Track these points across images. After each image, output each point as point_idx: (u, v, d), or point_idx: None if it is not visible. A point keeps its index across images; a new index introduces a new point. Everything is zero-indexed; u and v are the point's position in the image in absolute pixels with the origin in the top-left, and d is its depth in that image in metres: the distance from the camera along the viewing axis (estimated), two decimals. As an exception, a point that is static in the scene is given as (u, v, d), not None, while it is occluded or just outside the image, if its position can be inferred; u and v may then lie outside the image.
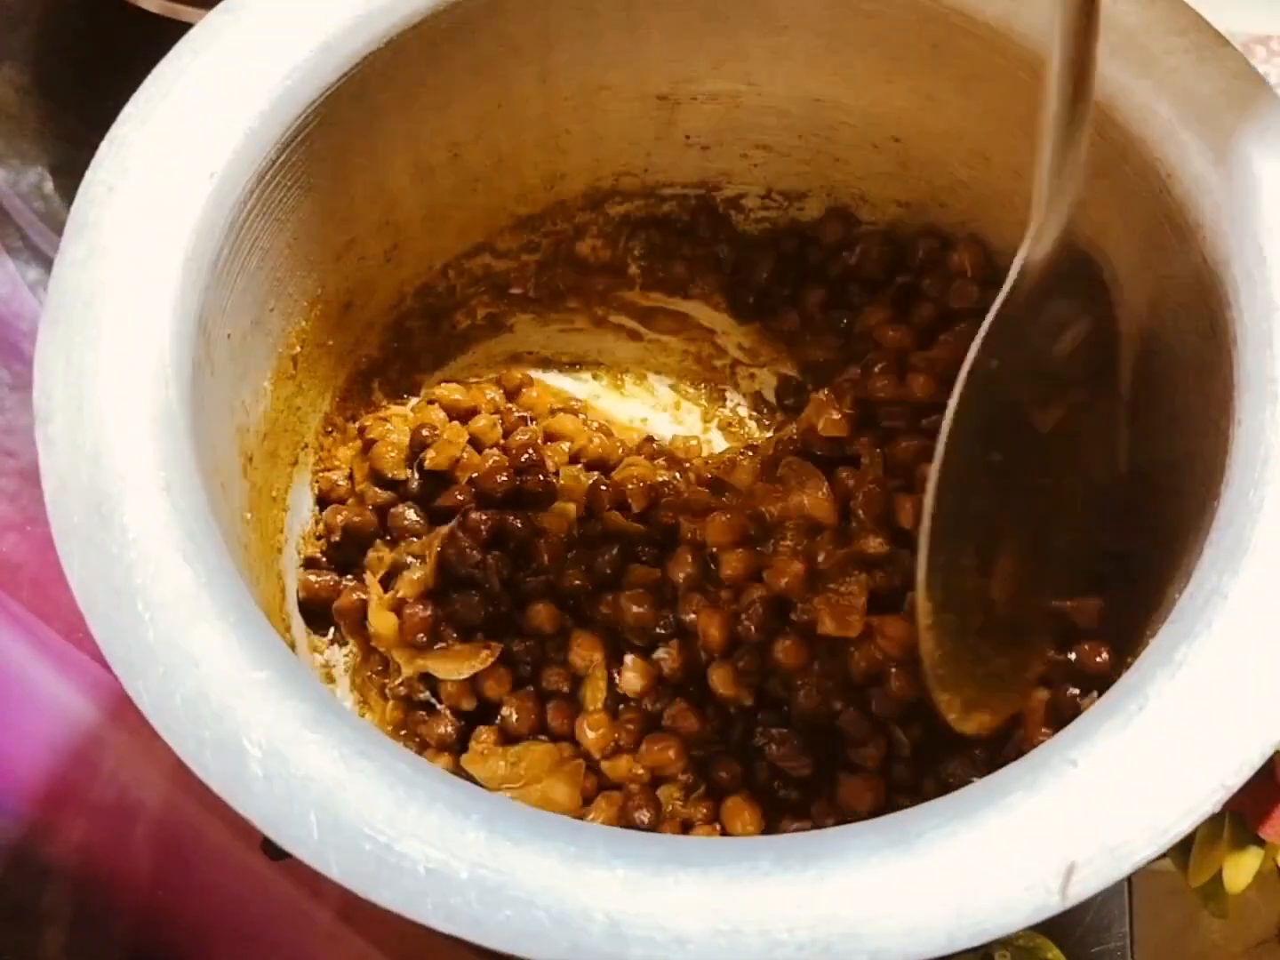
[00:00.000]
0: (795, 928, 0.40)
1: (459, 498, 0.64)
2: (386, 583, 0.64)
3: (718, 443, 0.73)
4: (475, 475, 0.65)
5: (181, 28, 0.54)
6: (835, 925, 0.40)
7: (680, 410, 0.74)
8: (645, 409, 0.74)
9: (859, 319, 0.70)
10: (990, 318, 0.52)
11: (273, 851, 0.43)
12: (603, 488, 0.65)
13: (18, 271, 0.79)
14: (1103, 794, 0.42)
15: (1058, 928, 0.59)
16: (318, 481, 0.66)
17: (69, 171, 0.50)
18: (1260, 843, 0.58)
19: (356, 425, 0.68)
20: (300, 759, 0.42)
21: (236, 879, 0.65)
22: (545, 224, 0.72)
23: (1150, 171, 0.54)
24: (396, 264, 0.67)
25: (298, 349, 0.62)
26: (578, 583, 0.62)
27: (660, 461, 0.68)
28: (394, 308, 0.69)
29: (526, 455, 0.66)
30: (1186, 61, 0.54)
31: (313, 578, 0.64)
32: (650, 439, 0.71)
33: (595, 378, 0.75)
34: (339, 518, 0.65)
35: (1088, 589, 0.57)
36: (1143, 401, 0.59)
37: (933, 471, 0.52)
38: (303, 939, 0.64)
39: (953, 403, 0.52)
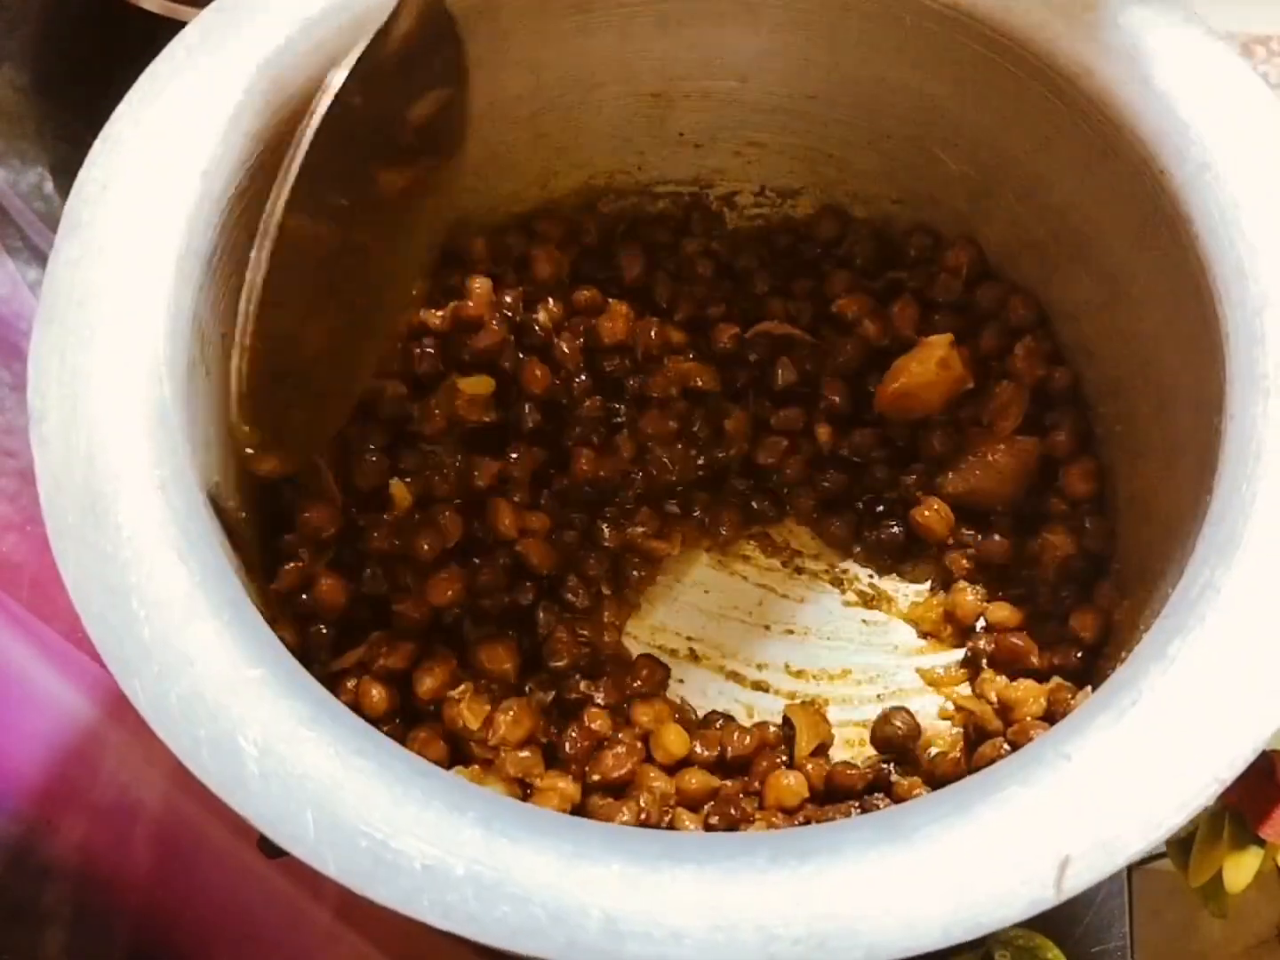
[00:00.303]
0: (791, 923, 0.40)
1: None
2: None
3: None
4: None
5: (181, 28, 0.54)
6: (831, 920, 0.40)
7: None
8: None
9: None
10: (359, 49, 0.50)
11: (269, 849, 0.43)
12: None
13: (18, 271, 0.79)
14: (1097, 788, 0.42)
15: (1058, 928, 0.59)
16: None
17: (69, 171, 0.50)
18: (1260, 843, 0.58)
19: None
20: (297, 757, 0.42)
21: (236, 879, 0.64)
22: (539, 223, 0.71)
23: (1143, 168, 0.55)
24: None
25: (292, 347, 0.61)
26: None
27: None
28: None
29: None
30: (1179, 59, 0.55)
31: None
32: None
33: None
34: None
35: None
36: (1135, 397, 0.59)
37: (278, 192, 0.49)
38: (302, 938, 0.64)
39: (313, 121, 0.49)
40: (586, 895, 0.40)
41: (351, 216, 0.54)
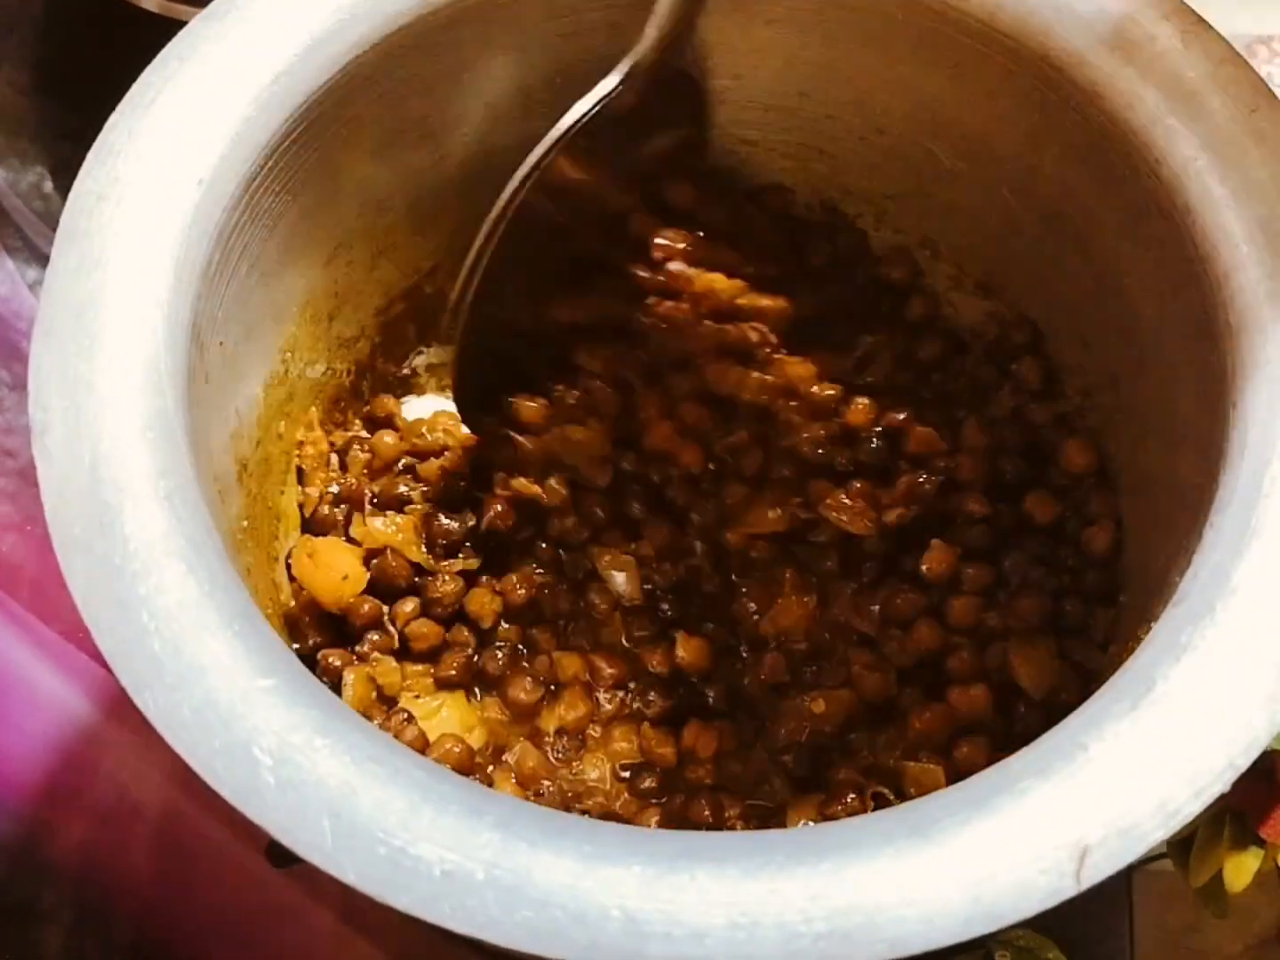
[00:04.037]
0: (812, 919, 0.40)
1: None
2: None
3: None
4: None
5: (181, 28, 0.54)
6: (852, 916, 0.40)
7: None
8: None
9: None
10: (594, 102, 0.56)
11: (277, 859, 0.43)
12: None
13: (17, 271, 0.79)
14: (1114, 777, 0.42)
15: (1058, 928, 0.59)
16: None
17: (69, 171, 0.50)
18: (1260, 843, 0.58)
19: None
20: (312, 765, 0.42)
21: (236, 879, 0.65)
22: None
23: (1138, 157, 0.55)
24: (384, 268, 0.67)
25: (288, 354, 0.62)
26: None
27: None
28: (383, 311, 0.69)
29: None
30: (1171, 46, 0.55)
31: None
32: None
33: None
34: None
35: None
36: (1138, 387, 0.59)
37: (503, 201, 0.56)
38: (303, 939, 0.64)
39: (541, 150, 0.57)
40: (606, 896, 0.40)
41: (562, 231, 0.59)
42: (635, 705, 0.63)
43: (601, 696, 0.63)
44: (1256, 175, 0.52)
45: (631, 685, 0.63)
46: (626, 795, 0.61)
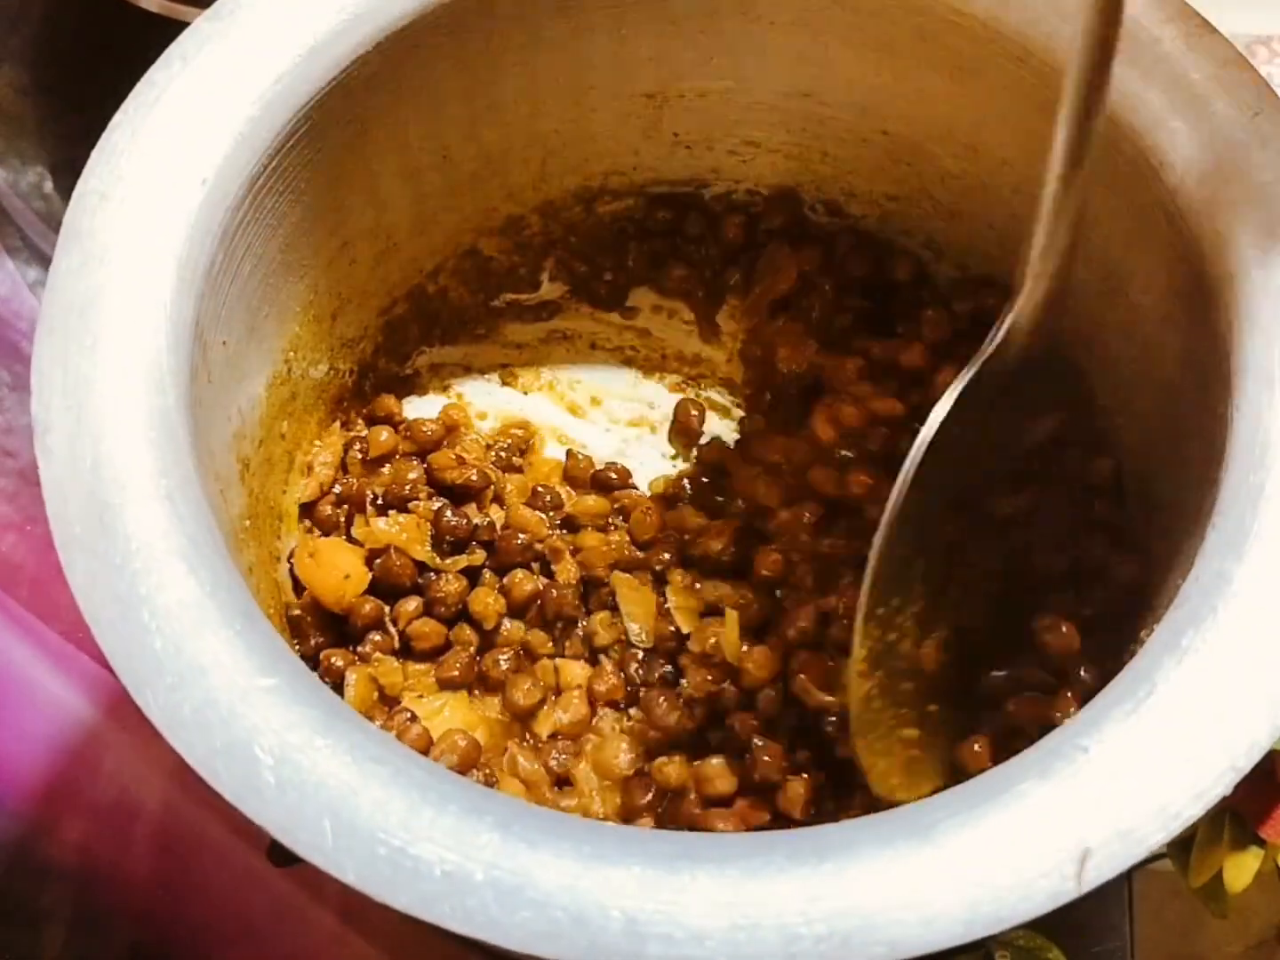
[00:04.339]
0: (812, 921, 0.40)
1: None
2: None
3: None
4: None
5: (181, 28, 0.54)
6: (852, 918, 0.40)
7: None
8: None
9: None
10: (971, 371, 0.52)
11: (277, 858, 0.43)
12: None
13: (17, 271, 0.79)
14: (1114, 780, 0.42)
15: (1058, 928, 0.59)
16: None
17: (69, 171, 0.50)
18: (1260, 843, 0.58)
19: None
20: (312, 765, 0.42)
21: (236, 879, 0.65)
22: (535, 224, 0.72)
23: (1141, 159, 0.55)
24: (387, 267, 0.67)
25: (291, 354, 0.62)
26: None
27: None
28: (385, 311, 0.69)
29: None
30: (1175, 49, 0.55)
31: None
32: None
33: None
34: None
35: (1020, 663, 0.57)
36: (1139, 388, 0.59)
37: (885, 523, 0.51)
38: (303, 939, 0.64)
39: (920, 445, 0.51)
40: (607, 897, 0.40)
41: (962, 530, 0.55)
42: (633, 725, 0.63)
43: (600, 710, 0.63)
44: (1259, 178, 0.52)
45: (631, 711, 0.63)
46: (619, 802, 0.61)
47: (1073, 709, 0.54)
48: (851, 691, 0.53)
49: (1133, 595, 0.57)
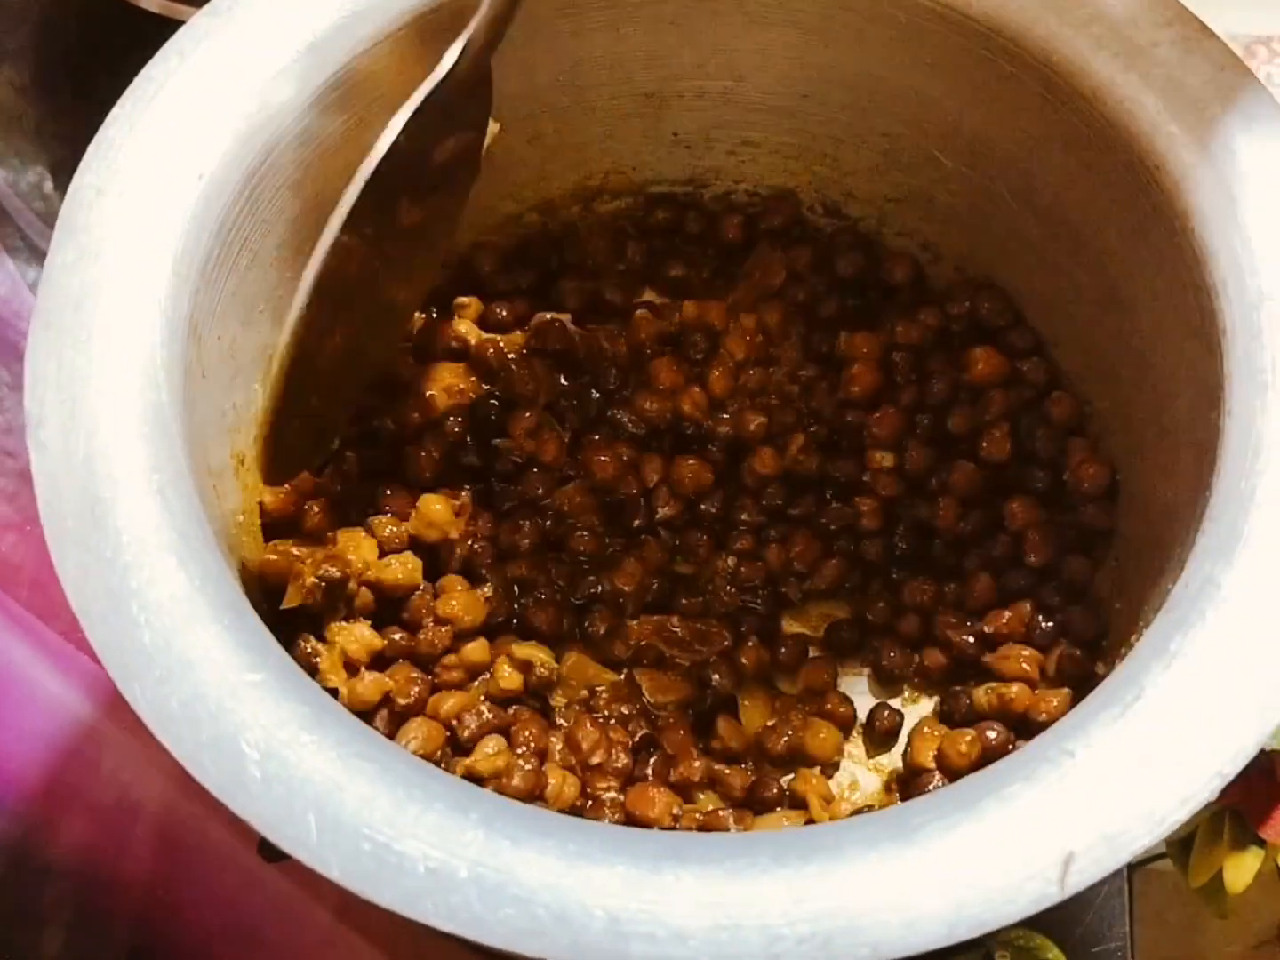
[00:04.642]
0: (795, 922, 0.40)
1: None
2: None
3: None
4: None
5: (180, 28, 0.54)
6: (835, 919, 0.40)
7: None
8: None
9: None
10: (425, 90, 0.53)
11: (268, 853, 0.43)
12: None
13: (17, 271, 0.79)
14: (1100, 784, 0.42)
15: (1058, 928, 0.59)
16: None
17: (68, 171, 0.50)
18: (1260, 843, 0.58)
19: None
20: (298, 760, 0.42)
21: (236, 879, 0.64)
22: (534, 222, 0.72)
23: (1138, 163, 0.55)
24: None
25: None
26: None
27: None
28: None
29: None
30: (1173, 53, 0.55)
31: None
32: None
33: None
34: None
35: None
36: (1133, 393, 0.59)
37: (335, 221, 0.53)
38: (302, 939, 0.64)
39: (371, 163, 0.53)
40: (590, 896, 0.40)
41: (375, 243, 0.55)
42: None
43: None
44: (1255, 183, 0.52)
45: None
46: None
47: None
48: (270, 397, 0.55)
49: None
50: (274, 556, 0.59)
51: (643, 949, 0.40)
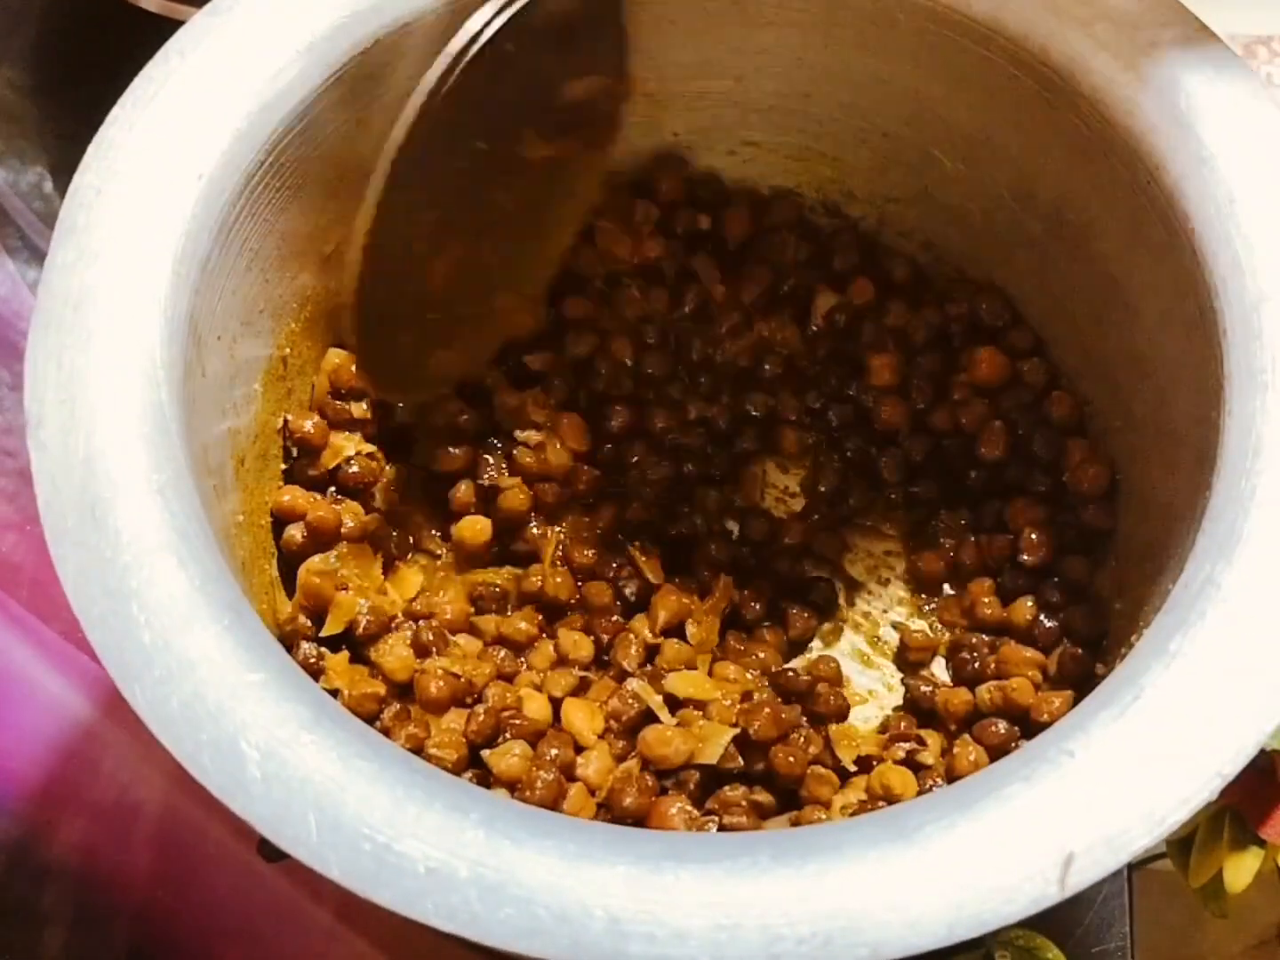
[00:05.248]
0: (795, 922, 0.40)
1: None
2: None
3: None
4: None
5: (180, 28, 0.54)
6: (835, 919, 0.40)
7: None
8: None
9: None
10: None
11: (268, 853, 0.43)
12: None
13: (17, 271, 0.79)
14: (1100, 784, 0.42)
15: (1058, 928, 0.59)
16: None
17: (69, 171, 0.50)
18: (1260, 843, 0.58)
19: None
20: (298, 760, 0.42)
21: (236, 879, 0.65)
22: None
23: (1138, 164, 0.55)
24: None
25: (287, 350, 0.61)
26: None
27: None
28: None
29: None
30: (1173, 53, 0.55)
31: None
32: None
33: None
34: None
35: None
36: (1133, 393, 0.59)
37: (409, 109, 0.51)
38: (302, 938, 0.64)
39: (450, 50, 0.51)
40: (590, 896, 0.40)
41: (491, 165, 0.55)
42: None
43: None
44: (1254, 183, 0.52)
45: None
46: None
47: None
48: (349, 261, 0.52)
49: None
50: (316, 579, 0.59)
51: (642, 949, 0.40)
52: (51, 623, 0.70)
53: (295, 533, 0.61)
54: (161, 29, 0.54)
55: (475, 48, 0.50)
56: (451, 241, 0.56)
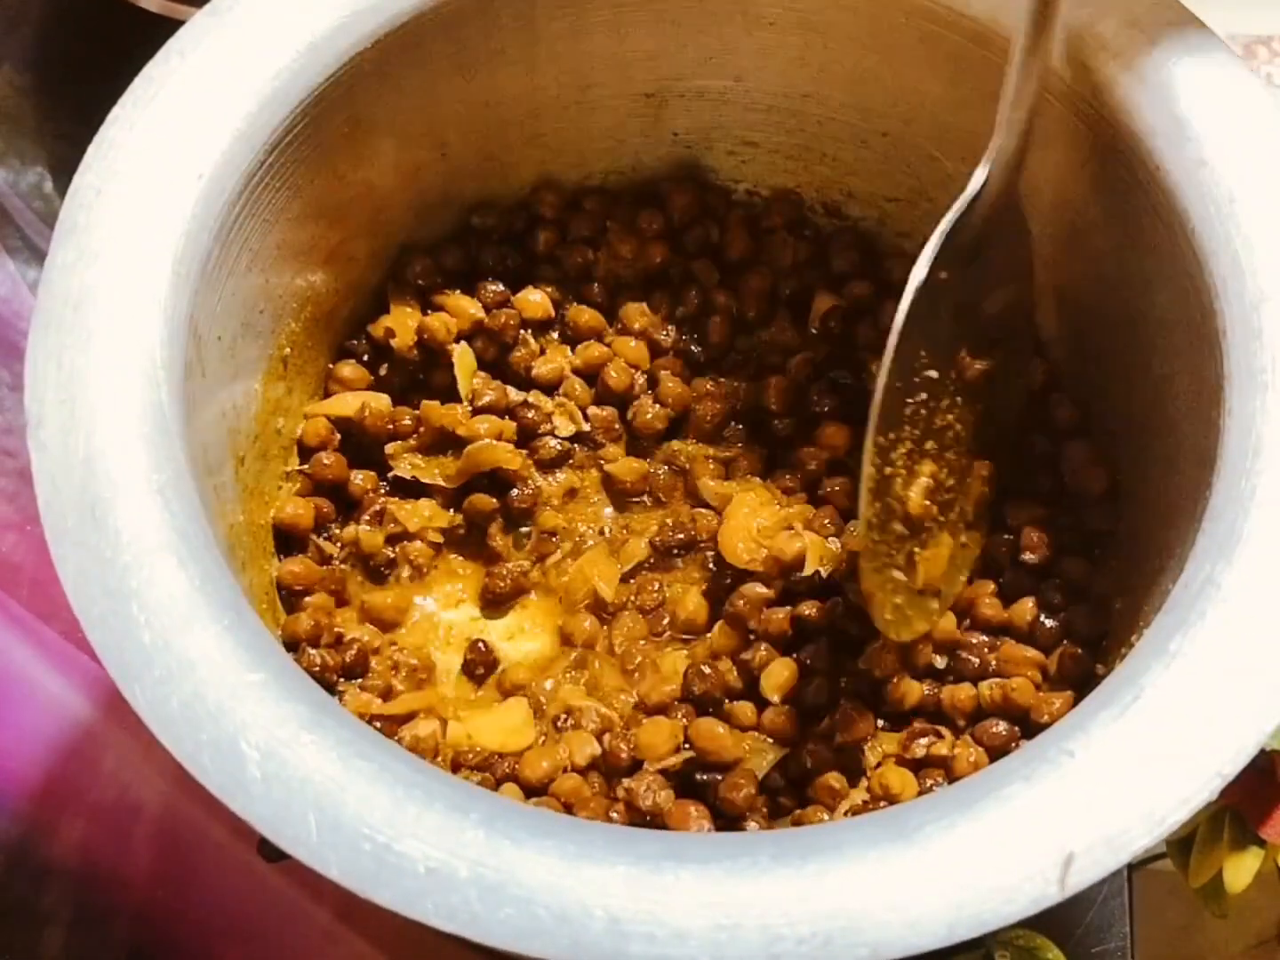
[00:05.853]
0: (795, 922, 0.40)
1: None
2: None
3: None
4: None
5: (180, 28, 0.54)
6: (835, 919, 0.40)
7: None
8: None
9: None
10: (948, 223, 0.54)
11: (268, 853, 0.43)
12: None
13: (17, 271, 0.79)
14: (1100, 784, 0.42)
15: (1058, 928, 0.59)
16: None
17: (69, 171, 0.50)
18: (1260, 843, 0.58)
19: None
20: (298, 760, 0.42)
21: (236, 879, 0.65)
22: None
23: (1139, 164, 0.55)
24: (384, 265, 0.67)
25: (288, 350, 0.61)
26: None
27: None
28: (383, 308, 0.69)
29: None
30: (1173, 55, 0.55)
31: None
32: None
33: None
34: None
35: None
36: (1133, 393, 0.59)
37: (883, 368, 0.53)
38: (302, 938, 0.64)
39: (906, 301, 0.53)
40: (590, 896, 0.40)
41: (939, 390, 0.57)
42: None
43: None
44: (1254, 183, 0.52)
45: None
46: None
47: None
48: (862, 509, 0.54)
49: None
50: (305, 618, 0.60)
51: (642, 949, 0.40)
52: (51, 623, 0.70)
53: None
54: (161, 29, 0.54)
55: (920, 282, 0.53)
56: (922, 462, 0.57)
